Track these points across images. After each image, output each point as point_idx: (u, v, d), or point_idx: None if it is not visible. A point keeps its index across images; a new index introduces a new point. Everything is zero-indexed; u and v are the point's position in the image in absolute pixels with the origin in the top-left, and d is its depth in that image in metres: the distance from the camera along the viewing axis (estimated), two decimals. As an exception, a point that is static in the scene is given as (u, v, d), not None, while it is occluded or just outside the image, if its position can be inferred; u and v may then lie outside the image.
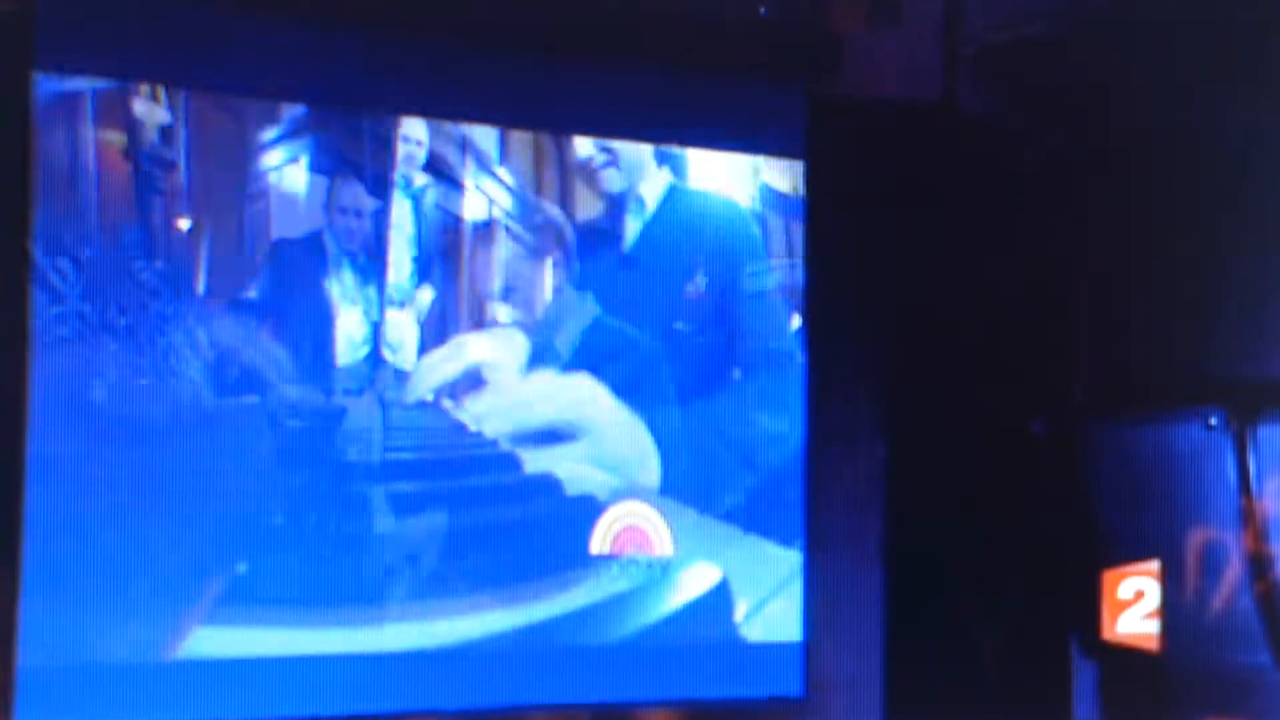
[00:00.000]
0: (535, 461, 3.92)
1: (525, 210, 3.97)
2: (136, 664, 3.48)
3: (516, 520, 3.90)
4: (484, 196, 3.93)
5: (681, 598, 4.07)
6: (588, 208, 4.03)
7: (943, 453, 4.27)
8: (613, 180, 4.05)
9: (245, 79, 3.65)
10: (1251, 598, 3.81)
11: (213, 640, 3.54)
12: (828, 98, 4.24)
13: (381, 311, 3.78)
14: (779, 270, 4.21)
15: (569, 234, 4.00)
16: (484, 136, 3.93)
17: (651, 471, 4.05)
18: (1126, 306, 4.07)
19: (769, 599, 4.16)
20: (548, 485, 3.93)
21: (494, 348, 3.91)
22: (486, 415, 3.87)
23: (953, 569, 4.22)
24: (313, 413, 3.70)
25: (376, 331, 3.78)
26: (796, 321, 4.23)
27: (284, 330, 3.67)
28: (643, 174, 4.08)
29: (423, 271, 3.84)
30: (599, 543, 3.98)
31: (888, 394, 4.32)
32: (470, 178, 3.92)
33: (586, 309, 4.00)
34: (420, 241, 3.85)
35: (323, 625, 3.66)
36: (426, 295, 3.84)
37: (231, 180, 3.63)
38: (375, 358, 3.77)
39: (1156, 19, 3.95)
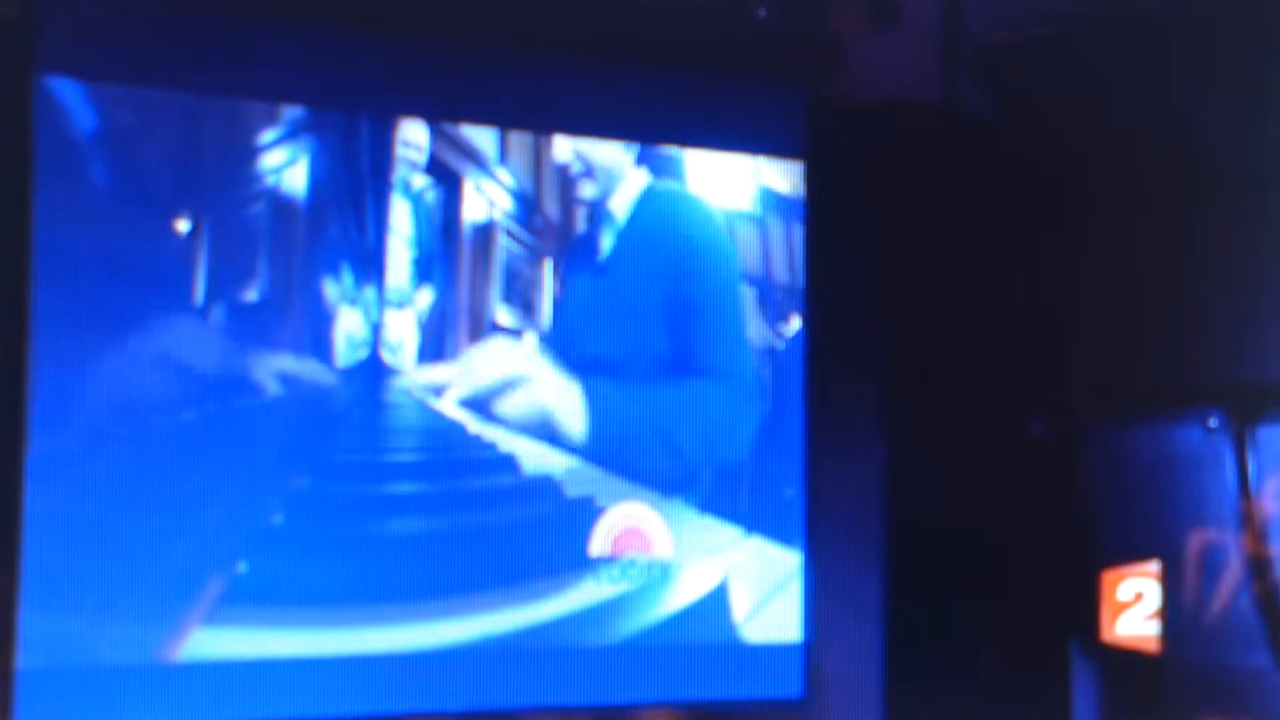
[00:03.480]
0: (534, 462, 3.93)
1: (525, 212, 3.97)
2: (136, 666, 3.48)
3: (516, 521, 3.90)
4: (484, 198, 3.94)
5: (682, 599, 4.07)
6: (569, 215, 4.03)
7: (942, 453, 4.26)
8: (587, 188, 4.04)
9: (244, 80, 3.64)
10: (1251, 598, 3.81)
11: (213, 641, 3.54)
12: (828, 98, 4.24)
13: (381, 313, 3.79)
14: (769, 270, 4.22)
15: (565, 239, 4.01)
16: (484, 138, 3.93)
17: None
18: (1126, 307, 4.07)
19: (769, 599, 4.16)
20: (547, 486, 3.93)
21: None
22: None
23: (953, 569, 4.22)
24: (312, 413, 3.70)
25: (376, 333, 3.78)
26: (796, 322, 4.23)
27: (283, 332, 3.67)
28: (618, 181, 4.07)
29: (422, 273, 3.85)
30: (599, 544, 3.98)
31: (888, 394, 4.32)
32: (470, 179, 3.92)
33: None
34: (419, 243, 3.85)
35: (323, 626, 3.66)
36: (426, 297, 3.85)
37: (230, 182, 3.64)
38: (375, 359, 3.77)
39: (1157, 19, 3.94)
